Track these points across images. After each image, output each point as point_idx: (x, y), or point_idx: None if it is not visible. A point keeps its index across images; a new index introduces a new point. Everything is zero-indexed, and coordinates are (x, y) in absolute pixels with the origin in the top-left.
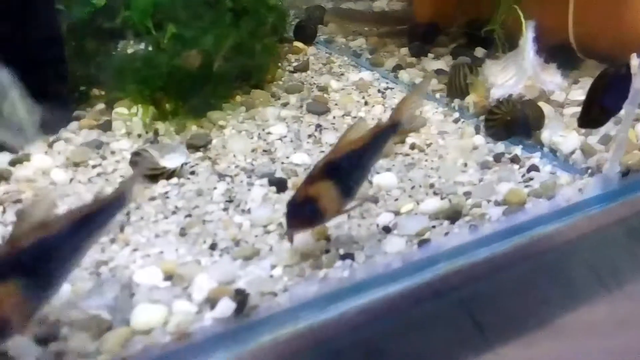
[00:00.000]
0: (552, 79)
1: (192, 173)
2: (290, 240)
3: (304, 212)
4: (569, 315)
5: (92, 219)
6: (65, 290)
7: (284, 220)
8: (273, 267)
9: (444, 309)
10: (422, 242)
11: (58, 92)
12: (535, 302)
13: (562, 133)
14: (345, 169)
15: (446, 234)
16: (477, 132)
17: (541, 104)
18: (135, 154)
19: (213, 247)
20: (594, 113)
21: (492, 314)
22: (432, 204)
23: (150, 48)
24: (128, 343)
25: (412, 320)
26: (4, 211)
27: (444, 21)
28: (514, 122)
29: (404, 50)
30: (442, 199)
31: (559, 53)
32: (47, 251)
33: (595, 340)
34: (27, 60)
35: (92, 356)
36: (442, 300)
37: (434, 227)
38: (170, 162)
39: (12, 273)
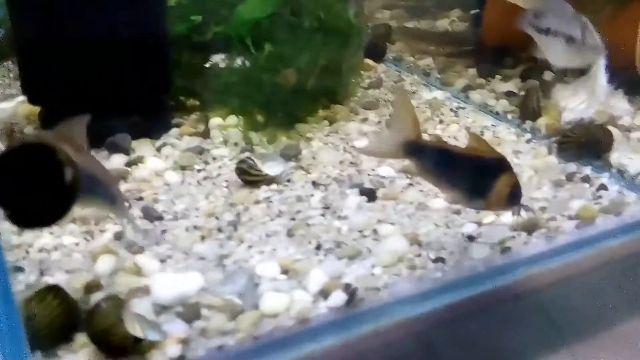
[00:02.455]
0: (620, 104)
1: (289, 181)
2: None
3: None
4: (634, 323)
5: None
6: (200, 278)
7: (378, 226)
8: (373, 266)
9: (523, 310)
10: (504, 250)
11: (163, 101)
12: (604, 308)
13: (630, 156)
14: None
15: (525, 243)
16: (550, 153)
17: (610, 127)
18: (241, 161)
19: (318, 247)
20: None
21: (566, 316)
22: (511, 216)
23: (247, 64)
24: (259, 324)
25: (496, 317)
26: (129, 207)
27: (512, 44)
28: (586, 145)
29: (472, 71)
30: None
31: (624, 80)
32: None
33: None
34: (140, 68)
35: (231, 333)
36: (521, 302)
37: (513, 237)
38: (270, 169)
39: None
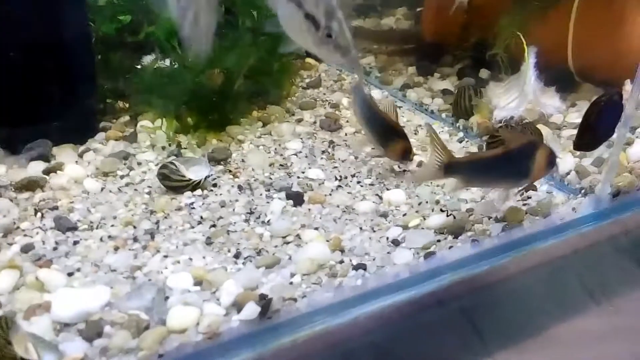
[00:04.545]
0: (551, 102)
1: (215, 185)
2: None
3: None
4: (561, 325)
5: None
6: (106, 293)
7: (301, 232)
8: (292, 275)
9: (447, 317)
10: (428, 255)
11: (87, 104)
12: (531, 312)
13: (559, 155)
14: None
15: (450, 247)
16: None
17: (540, 126)
18: (163, 166)
19: (237, 255)
20: (588, 137)
21: (491, 322)
22: (438, 219)
23: (175, 65)
24: (165, 341)
25: (418, 326)
26: (42, 217)
27: (450, 42)
28: None
29: (412, 69)
30: (447, 215)
31: (557, 77)
32: None
33: (584, 349)
34: (60, 71)
35: (133, 352)
36: (445, 308)
37: (439, 241)
38: (194, 174)
39: None
